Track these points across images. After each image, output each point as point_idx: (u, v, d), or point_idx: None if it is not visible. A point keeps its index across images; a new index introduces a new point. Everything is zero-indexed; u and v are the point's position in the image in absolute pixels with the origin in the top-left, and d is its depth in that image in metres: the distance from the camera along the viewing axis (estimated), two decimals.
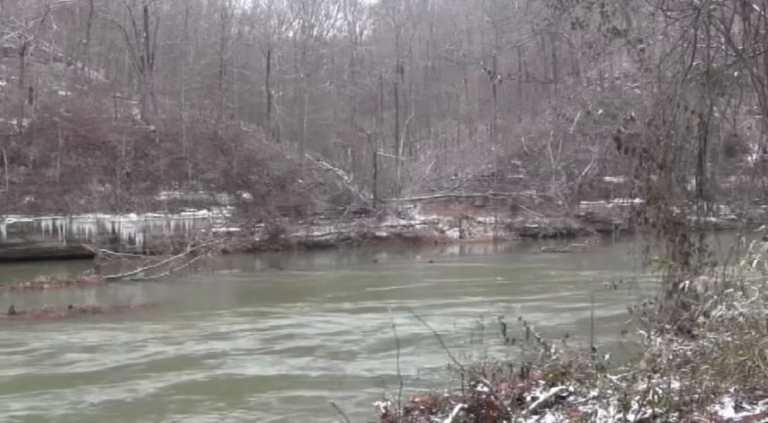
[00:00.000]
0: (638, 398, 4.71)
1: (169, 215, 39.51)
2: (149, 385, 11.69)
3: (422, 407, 5.87)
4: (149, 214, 38.98)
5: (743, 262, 6.08)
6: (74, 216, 37.05)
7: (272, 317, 18.58)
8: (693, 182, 9.66)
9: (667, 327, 7.23)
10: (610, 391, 4.97)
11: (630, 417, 4.62)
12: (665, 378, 5.05)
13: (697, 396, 4.87)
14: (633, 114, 10.19)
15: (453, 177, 54.91)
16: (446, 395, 5.93)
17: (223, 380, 12.13)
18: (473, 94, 63.87)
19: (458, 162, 57.39)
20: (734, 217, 42.97)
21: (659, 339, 6.17)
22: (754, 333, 5.22)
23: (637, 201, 9.58)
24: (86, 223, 37.22)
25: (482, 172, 53.60)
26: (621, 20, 9.65)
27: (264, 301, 21.96)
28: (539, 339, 6.36)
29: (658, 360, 5.60)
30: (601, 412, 4.83)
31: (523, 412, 5.29)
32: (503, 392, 5.68)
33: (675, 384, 4.95)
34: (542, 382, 5.86)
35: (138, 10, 46.47)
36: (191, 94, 47.74)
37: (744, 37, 8.66)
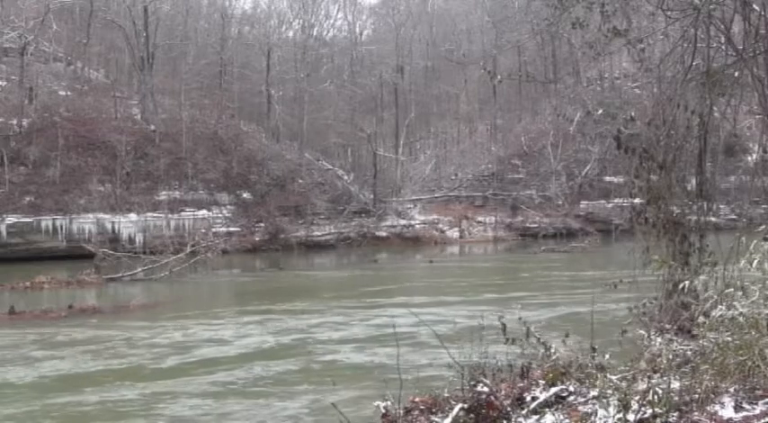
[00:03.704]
0: (638, 398, 4.71)
1: (169, 215, 39.50)
2: (169, 384, 11.76)
3: (422, 407, 5.87)
4: (149, 214, 38.98)
5: (743, 262, 6.08)
6: (74, 216, 37.04)
7: (273, 317, 18.56)
8: (693, 182, 9.67)
9: (667, 327, 7.24)
10: (610, 391, 4.97)
11: (630, 417, 4.62)
12: (665, 378, 5.05)
13: (697, 396, 4.87)
14: (633, 114, 10.21)
15: (453, 177, 54.93)
16: (446, 395, 5.93)
17: (241, 378, 12.15)
18: (473, 94, 63.88)
19: (458, 162, 57.41)
20: (734, 217, 43.08)
21: (659, 339, 6.17)
22: (754, 333, 5.22)
23: (637, 201, 9.59)
24: (86, 223, 37.21)
25: (482, 172, 53.63)
26: (621, 20, 9.66)
27: (265, 301, 21.94)
28: (539, 339, 6.36)
29: (658, 360, 5.60)
30: (601, 412, 4.83)
31: (523, 412, 5.29)
32: (503, 392, 5.68)
33: (675, 384, 4.95)
34: (542, 381, 5.86)
35: (138, 10, 46.45)
36: (191, 93, 47.75)
37: (744, 37, 8.67)
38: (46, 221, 36.52)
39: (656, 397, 4.71)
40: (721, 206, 42.58)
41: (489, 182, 52.21)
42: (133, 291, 24.84)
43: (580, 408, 5.24)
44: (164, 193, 40.50)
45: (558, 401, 5.46)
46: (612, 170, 46.72)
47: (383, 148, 54.41)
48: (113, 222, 37.87)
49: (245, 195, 43.13)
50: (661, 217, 8.76)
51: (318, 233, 43.55)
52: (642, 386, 4.82)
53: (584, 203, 50.29)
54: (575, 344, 6.53)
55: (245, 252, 38.22)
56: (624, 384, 5.01)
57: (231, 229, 40.69)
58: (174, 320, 18.07)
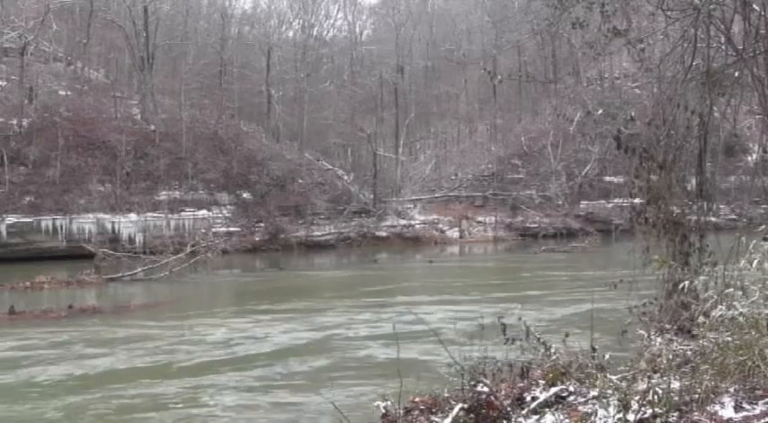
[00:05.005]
0: (638, 398, 4.71)
1: (169, 215, 39.50)
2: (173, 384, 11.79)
3: (422, 407, 5.87)
4: (149, 214, 38.98)
5: (743, 262, 6.08)
6: (74, 216, 37.04)
7: (276, 317, 18.56)
8: (693, 182, 9.68)
9: (667, 327, 7.24)
10: (610, 391, 4.97)
11: (630, 417, 4.62)
12: (665, 378, 5.05)
13: (697, 396, 4.87)
14: (633, 114, 10.22)
15: (453, 177, 54.95)
16: (446, 395, 5.94)
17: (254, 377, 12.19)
18: (473, 94, 63.89)
19: (458, 162, 57.44)
20: (734, 217, 43.11)
21: (659, 339, 6.16)
22: (754, 333, 5.22)
23: (637, 201, 9.60)
24: (86, 223, 37.21)
25: (482, 172, 53.65)
26: (622, 20, 9.67)
27: (265, 301, 21.90)
28: (539, 339, 6.36)
29: (658, 360, 5.60)
30: (601, 412, 4.83)
31: (523, 412, 5.29)
32: (503, 392, 5.68)
33: (675, 384, 4.95)
34: (542, 381, 5.86)
35: (138, 10, 46.47)
36: (191, 93, 47.76)
37: (744, 37, 8.68)
38: (46, 221, 36.51)
39: (656, 397, 4.71)
40: (721, 206, 42.60)
41: (489, 182, 52.22)
42: (133, 291, 24.84)
43: (580, 408, 5.24)
44: (164, 193, 40.49)
45: (558, 401, 5.46)
46: (612, 170, 46.74)
47: (383, 148, 54.42)
48: (113, 222, 37.86)
49: (245, 195, 43.13)
50: (661, 217, 8.77)
51: (318, 233, 43.55)
52: (642, 386, 4.82)
53: (584, 203, 50.29)
54: (575, 344, 6.52)
55: (245, 252, 38.22)
56: (624, 384, 5.01)
57: (231, 229, 40.69)
58: (177, 320, 18.07)
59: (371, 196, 46.99)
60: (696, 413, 4.72)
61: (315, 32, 60.80)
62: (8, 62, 43.89)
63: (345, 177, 50.26)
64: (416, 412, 5.79)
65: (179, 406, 10.38)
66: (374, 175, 47.58)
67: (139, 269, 27.49)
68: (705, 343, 5.54)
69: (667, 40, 10.09)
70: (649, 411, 4.64)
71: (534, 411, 5.28)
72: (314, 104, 54.89)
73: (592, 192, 50.63)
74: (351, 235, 44.26)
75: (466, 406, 5.43)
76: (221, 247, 33.00)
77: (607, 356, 6.22)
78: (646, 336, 6.41)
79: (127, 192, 39.33)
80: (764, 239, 6.22)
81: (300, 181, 45.70)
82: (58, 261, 32.06)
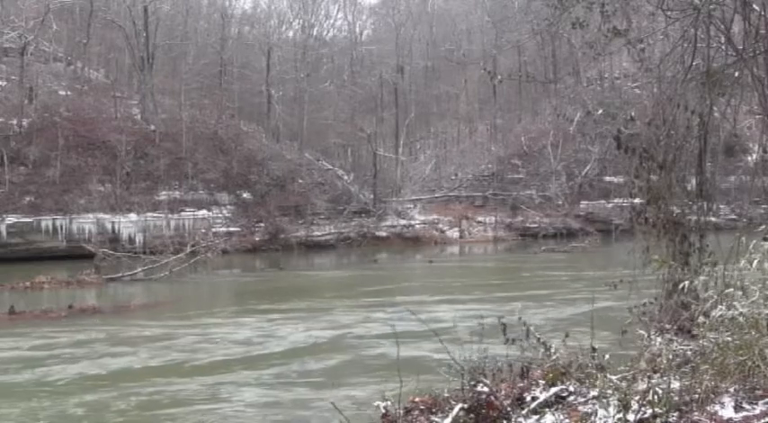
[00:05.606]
0: (638, 398, 4.71)
1: (169, 215, 39.49)
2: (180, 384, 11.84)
3: (422, 407, 5.87)
4: (149, 214, 38.97)
5: (743, 262, 6.08)
6: (74, 216, 37.04)
7: (276, 317, 18.56)
8: (693, 182, 9.68)
9: (667, 327, 7.24)
10: (610, 391, 4.97)
11: (630, 417, 4.62)
12: (665, 378, 5.05)
13: (697, 396, 4.87)
14: (633, 114, 10.23)
15: (453, 177, 54.95)
16: (446, 395, 5.94)
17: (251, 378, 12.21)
18: (473, 94, 63.89)
19: (458, 162, 57.44)
20: (734, 217, 43.12)
21: (659, 339, 6.16)
22: (754, 333, 5.22)
23: (637, 201, 9.61)
24: (86, 223, 37.20)
25: (482, 172, 53.64)
26: (622, 20, 9.68)
27: (265, 301, 21.92)
28: (539, 339, 6.35)
29: (658, 360, 5.60)
30: (601, 412, 4.83)
31: (523, 412, 5.29)
32: (503, 392, 5.69)
33: (675, 384, 4.95)
34: (542, 381, 5.86)
35: (138, 10, 46.46)
36: (191, 93, 47.76)
37: (744, 37, 8.68)
38: (46, 221, 36.50)
39: (656, 397, 4.71)
40: (721, 206, 42.59)
41: (489, 182, 52.22)
42: (133, 291, 24.85)
43: (580, 408, 5.24)
44: (164, 193, 40.48)
45: (558, 401, 5.46)
46: (612, 170, 46.73)
47: (383, 148, 54.41)
48: (113, 222, 37.86)
49: (245, 195, 43.13)
50: (661, 217, 8.77)
51: (318, 233, 43.54)
52: (642, 386, 4.82)
53: (584, 203, 50.28)
54: (575, 344, 6.52)
55: (245, 252, 38.21)
56: (624, 384, 5.01)
57: (231, 229, 40.68)
58: (178, 320, 18.11)
59: (371, 196, 46.99)
60: (696, 413, 4.72)
61: (315, 32, 60.83)
62: (8, 62, 43.88)
63: (345, 177, 50.23)
64: (416, 412, 5.79)
65: (196, 403, 10.47)
66: (374, 175, 47.57)
67: (139, 269, 27.48)
68: (705, 343, 5.54)
69: (667, 40, 10.10)
70: (649, 411, 4.64)
71: (534, 411, 5.28)
72: (314, 104, 54.89)
73: (592, 192, 50.62)
74: (351, 235, 44.24)
75: (466, 406, 5.43)
76: (221, 247, 33.00)
77: (607, 356, 6.22)
78: (646, 336, 6.40)
79: (127, 192, 39.32)
80: (764, 239, 6.21)
81: (300, 181, 45.69)
82: (58, 261, 32.05)
